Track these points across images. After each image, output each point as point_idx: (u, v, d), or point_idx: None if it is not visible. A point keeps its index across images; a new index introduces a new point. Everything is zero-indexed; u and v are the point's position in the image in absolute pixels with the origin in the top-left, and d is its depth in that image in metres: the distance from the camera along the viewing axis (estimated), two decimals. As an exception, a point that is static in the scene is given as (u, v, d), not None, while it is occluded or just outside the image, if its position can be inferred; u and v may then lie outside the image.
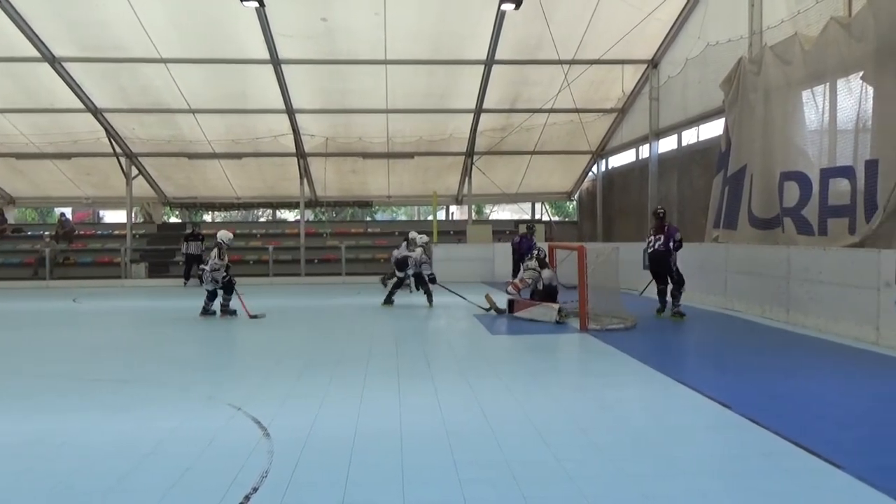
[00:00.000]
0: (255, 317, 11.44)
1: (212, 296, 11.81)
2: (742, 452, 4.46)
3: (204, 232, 24.51)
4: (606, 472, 4.05)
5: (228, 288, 11.79)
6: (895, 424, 5.06)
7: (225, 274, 11.69)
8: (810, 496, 3.70)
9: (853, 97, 10.01)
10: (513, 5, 14.45)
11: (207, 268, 11.74)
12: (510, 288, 11.77)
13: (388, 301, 13.27)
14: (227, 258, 11.79)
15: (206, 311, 11.83)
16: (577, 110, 18.71)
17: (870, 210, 9.30)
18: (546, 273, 11.50)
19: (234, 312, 11.77)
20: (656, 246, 11.08)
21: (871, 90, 9.58)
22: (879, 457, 4.28)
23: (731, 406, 5.37)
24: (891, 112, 9.06)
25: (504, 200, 26.13)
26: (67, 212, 25.64)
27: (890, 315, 7.93)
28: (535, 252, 12.47)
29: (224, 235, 12.02)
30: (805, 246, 10.39)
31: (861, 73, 9.72)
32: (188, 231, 20.30)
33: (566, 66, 16.99)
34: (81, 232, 24.36)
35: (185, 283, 19.23)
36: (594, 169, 23.13)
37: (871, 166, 9.34)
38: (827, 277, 9.18)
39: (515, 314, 11.13)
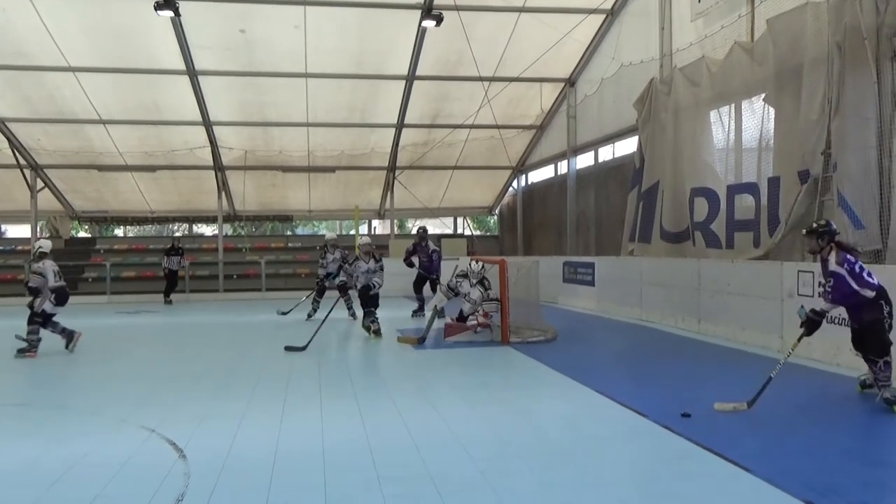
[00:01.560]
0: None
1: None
2: (656, 458, 4.61)
3: (118, 247, 23.73)
4: (529, 483, 4.10)
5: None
6: (798, 428, 5.33)
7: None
8: (720, 498, 3.85)
9: (756, 117, 10.55)
10: (433, 22, 14.57)
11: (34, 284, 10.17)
12: (479, 328, 10.06)
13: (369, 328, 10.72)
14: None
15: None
16: (497, 126, 18.99)
17: (773, 224, 9.81)
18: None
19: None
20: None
21: (772, 111, 10.11)
22: (784, 459, 4.49)
23: (647, 414, 5.54)
24: (790, 132, 9.59)
25: (426, 215, 26.17)
26: (-35, 226, 24.24)
27: (793, 324, 8.32)
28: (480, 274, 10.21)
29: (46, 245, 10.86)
30: (714, 259, 10.85)
31: (763, 95, 10.25)
32: (169, 246, 19.10)
33: (486, 83, 17.25)
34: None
35: (167, 301, 18.27)
36: (514, 184, 23.49)
37: (774, 183, 9.86)
38: (735, 289, 9.61)
39: (449, 339, 9.88)
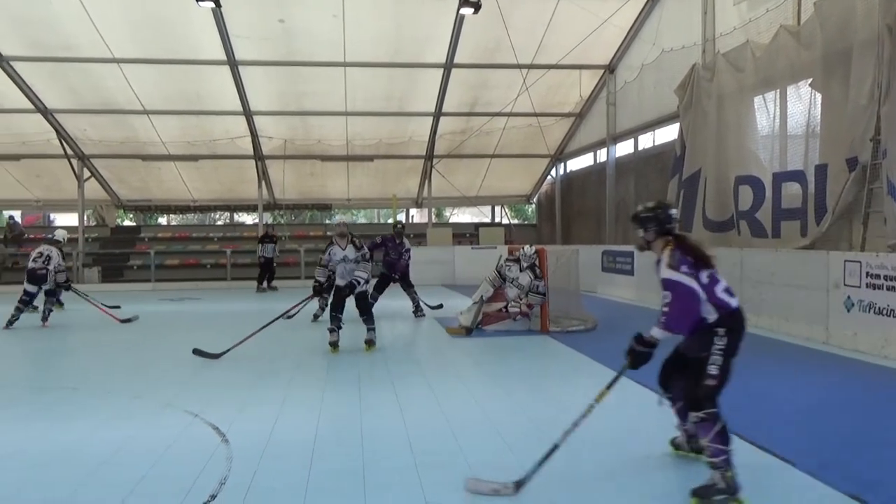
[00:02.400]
0: (127, 320, 11.32)
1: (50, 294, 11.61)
2: (698, 451, 4.54)
3: (161, 235, 24.20)
4: (567, 473, 4.08)
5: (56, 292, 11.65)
6: (844, 421, 5.22)
7: (65, 278, 11.60)
8: (762, 492, 3.79)
9: (802, 103, 10.30)
10: (471, 10, 14.48)
11: (51, 267, 11.31)
12: (518, 316, 9.77)
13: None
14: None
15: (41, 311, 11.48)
16: (535, 114, 18.85)
17: (820, 213, 9.60)
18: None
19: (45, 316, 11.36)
20: None
21: (819, 96, 9.87)
22: (829, 453, 4.40)
23: (688, 405, 5.46)
24: (838, 117, 9.35)
25: (464, 203, 26.18)
26: (17, 215, 24.96)
27: (839, 315, 8.16)
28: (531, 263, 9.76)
29: (61, 234, 12.18)
30: (757, 248, 10.65)
31: (810, 80, 10.01)
32: (263, 234, 19.05)
33: (525, 71, 17.12)
34: (31, 235, 23.64)
35: (259, 288, 18.13)
36: (553, 172, 23.34)
37: (821, 171, 9.64)
38: (778, 279, 9.41)
39: (488, 328, 9.76)
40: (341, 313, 8.49)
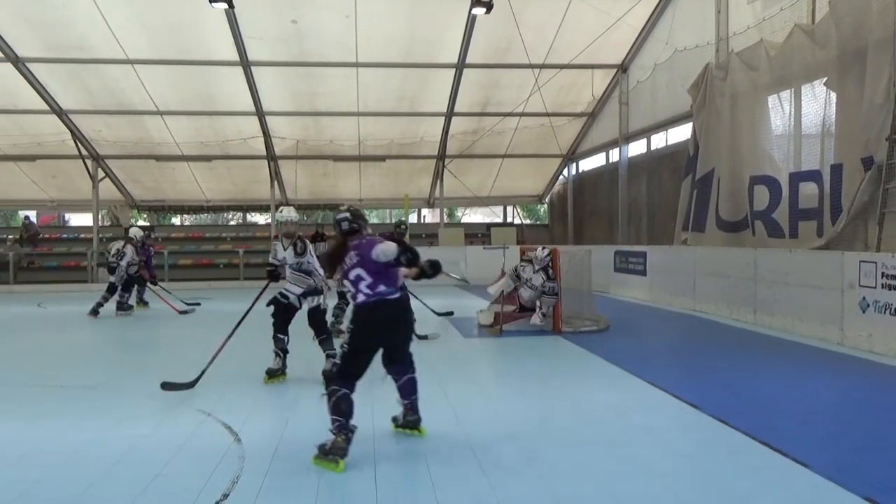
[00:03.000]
0: (185, 312, 12.11)
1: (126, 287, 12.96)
2: (711, 452, 4.52)
3: (175, 235, 24.33)
4: (578, 472, 4.07)
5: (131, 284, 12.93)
6: (860, 423, 5.17)
7: (136, 270, 12.89)
8: (777, 495, 3.75)
9: (818, 102, 10.23)
10: (483, 9, 14.46)
11: (123, 263, 12.56)
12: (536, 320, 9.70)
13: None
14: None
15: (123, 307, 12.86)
16: (547, 114, 18.81)
17: (835, 213, 9.52)
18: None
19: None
20: None
21: (834, 96, 9.79)
22: (844, 454, 4.36)
23: (700, 406, 5.44)
24: (853, 117, 9.27)
25: (476, 203, 26.16)
26: (32, 215, 25.16)
27: (854, 316, 8.09)
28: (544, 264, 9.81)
29: (136, 232, 13.33)
30: (771, 248, 10.58)
31: (825, 79, 9.93)
32: (314, 232, 18.65)
33: (537, 70, 17.08)
34: (47, 235, 23.89)
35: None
36: (565, 172, 23.28)
37: (836, 170, 9.56)
38: (793, 279, 9.35)
39: (505, 326, 9.70)
40: (283, 334, 7.05)
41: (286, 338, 7.01)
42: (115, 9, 14.93)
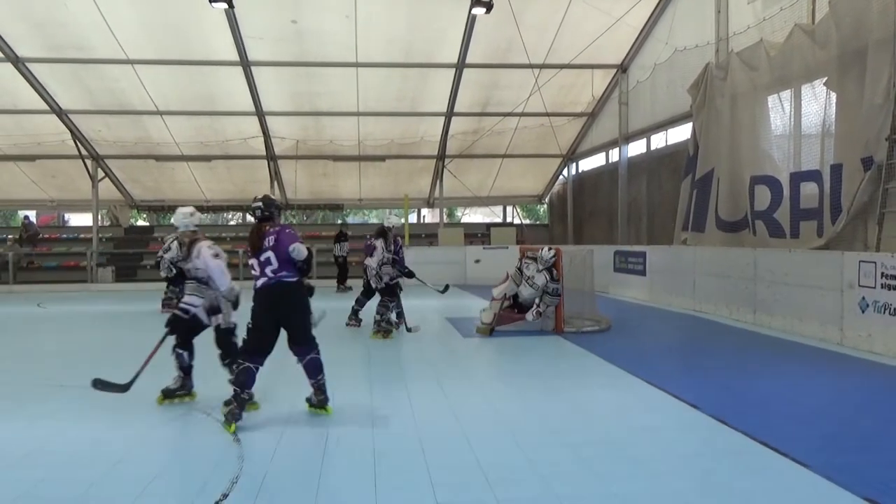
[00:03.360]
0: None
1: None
2: (710, 452, 4.52)
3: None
4: (578, 473, 4.08)
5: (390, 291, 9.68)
6: (859, 423, 5.17)
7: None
8: (776, 494, 3.76)
9: (818, 102, 10.24)
10: (483, 9, 14.46)
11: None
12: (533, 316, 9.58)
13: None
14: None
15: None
16: (547, 114, 18.81)
17: (835, 213, 9.53)
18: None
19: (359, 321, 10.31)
20: None
21: (834, 96, 9.80)
22: (844, 455, 4.37)
23: (700, 406, 5.44)
24: (853, 117, 9.27)
25: (475, 203, 26.18)
26: (32, 215, 25.17)
27: (853, 316, 8.10)
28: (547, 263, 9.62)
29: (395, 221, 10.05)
30: (770, 248, 10.59)
31: (825, 79, 9.93)
32: (338, 232, 18.42)
33: (537, 71, 17.09)
34: (46, 235, 23.90)
35: (339, 289, 17.39)
36: (564, 172, 23.29)
37: (836, 170, 9.56)
38: (792, 279, 9.35)
39: (499, 328, 9.69)
40: (183, 349, 6.10)
41: (186, 353, 6.08)
42: (115, 9, 14.92)
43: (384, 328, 9.39)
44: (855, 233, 9.39)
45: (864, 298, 7.92)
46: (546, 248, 9.88)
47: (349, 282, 17.54)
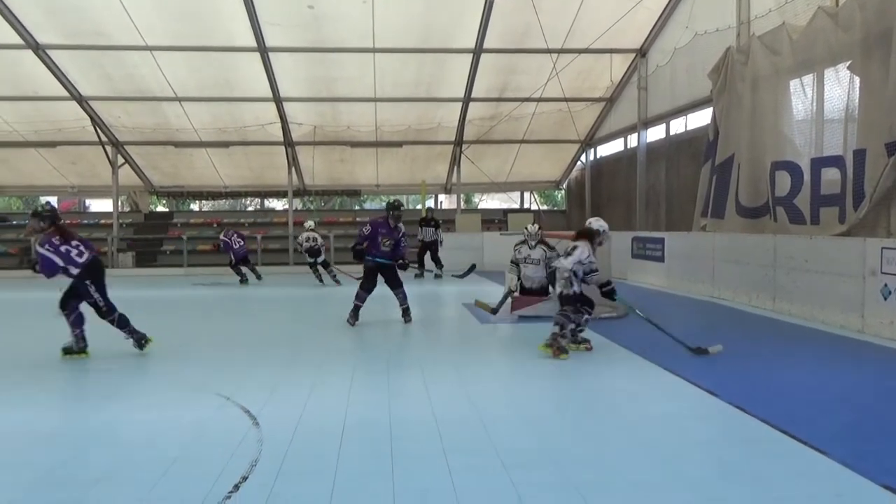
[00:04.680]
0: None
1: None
2: (729, 439, 4.51)
3: (194, 221, 24.50)
4: (594, 459, 4.08)
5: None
6: (879, 410, 5.13)
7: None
8: (795, 481, 3.74)
9: (841, 87, 10.06)
10: (501, -7, 14.39)
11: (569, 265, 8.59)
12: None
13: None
14: None
15: None
16: (565, 99, 18.68)
17: (858, 199, 9.39)
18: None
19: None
20: None
21: (857, 80, 9.63)
22: (863, 443, 4.34)
23: (718, 394, 5.42)
24: (877, 102, 9.12)
25: (493, 189, 26.10)
26: (53, 200, 25.40)
27: (875, 303, 8.01)
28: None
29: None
30: (791, 234, 10.48)
31: (848, 63, 9.77)
32: (423, 216, 18.41)
33: (555, 55, 16.95)
34: (67, 221, 24.10)
35: (420, 273, 17.00)
36: (582, 158, 23.14)
37: (859, 155, 9.42)
38: (813, 266, 9.26)
39: (516, 312, 9.78)
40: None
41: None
42: (133, -5, 14.99)
43: (560, 344, 7.07)
44: (878, 219, 9.25)
45: (886, 286, 7.83)
46: (530, 225, 9.86)
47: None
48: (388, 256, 9.31)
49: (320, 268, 15.96)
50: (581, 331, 7.57)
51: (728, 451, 4.27)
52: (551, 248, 9.61)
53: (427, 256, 17.41)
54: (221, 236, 16.66)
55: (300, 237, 16.24)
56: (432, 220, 17.92)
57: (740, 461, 4.07)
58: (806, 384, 5.91)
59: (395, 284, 9.44)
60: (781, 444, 4.31)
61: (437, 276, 16.71)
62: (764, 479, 3.75)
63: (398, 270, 9.55)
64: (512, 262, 9.94)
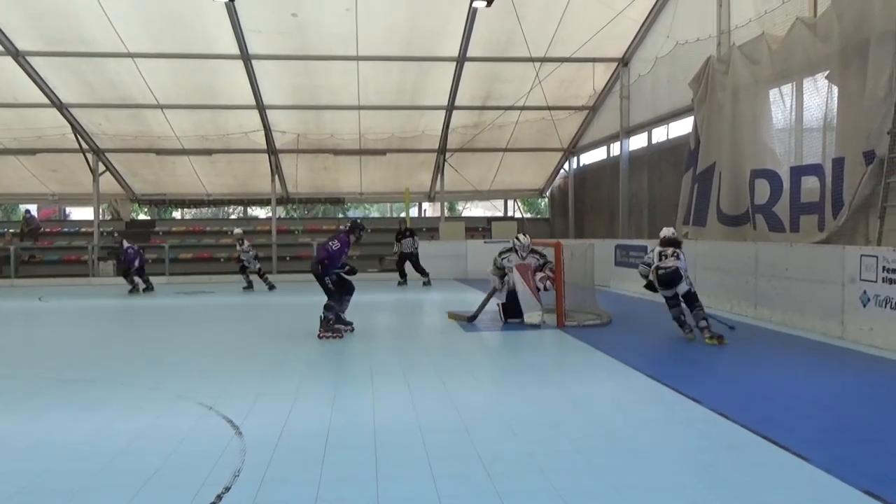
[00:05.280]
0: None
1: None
2: (711, 445, 4.53)
3: (176, 229, 24.33)
4: (578, 466, 4.09)
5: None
6: (859, 416, 5.18)
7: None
8: (777, 487, 3.77)
9: (819, 96, 10.21)
10: (484, 2, 14.45)
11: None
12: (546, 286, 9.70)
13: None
14: None
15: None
16: (548, 108, 18.80)
17: (836, 207, 9.51)
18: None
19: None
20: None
21: (836, 89, 9.77)
22: (843, 448, 4.38)
23: (701, 400, 5.45)
24: (855, 111, 9.25)
25: (476, 197, 26.18)
26: (33, 209, 25.14)
27: (854, 310, 8.10)
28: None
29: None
30: (772, 242, 10.58)
31: (827, 73, 9.91)
32: (399, 228, 18.59)
33: (538, 64, 17.06)
34: (47, 229, 23.91)
35: (403, 282, 17.70)
36: (566, 166, 23.27)
37: (838, 164, 9.55)
38: (793, 273, 9.35)
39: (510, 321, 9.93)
40: None
41: None
42: (115, 2, 14.89)
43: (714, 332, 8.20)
44: (856, 227, 9.37)
45: (865, 292, 7.92)
46: (521, 235, 10.07)
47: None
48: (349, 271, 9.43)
49: (257, 275, 16.91)
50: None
51: (710, 457, 4.29)
52: (542, 255, 9.77)
53: (407, 266, 17.56)
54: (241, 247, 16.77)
55: (245, 245, 16.75)
56: (408, 230, 18.07)
57: (722, 467, 4.10)
58: (787, 390, 5.96)
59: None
60: (762, 449, 4.34)
61: (426, 284, 16.79)
62: (746, 485, 3.78)
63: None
64: (496, 266, 9.99)
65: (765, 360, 7.37)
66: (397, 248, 17.81)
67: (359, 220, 9.98)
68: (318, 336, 8.81)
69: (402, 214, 21.97)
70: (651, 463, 4.15)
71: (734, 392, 5.86)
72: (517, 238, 10.02)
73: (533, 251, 9.90)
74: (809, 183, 10.30)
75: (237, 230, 17.54)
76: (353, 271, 9.48)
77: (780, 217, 10.81)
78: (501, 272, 9.95)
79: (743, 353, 7.80)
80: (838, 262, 8.42)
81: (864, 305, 7.92)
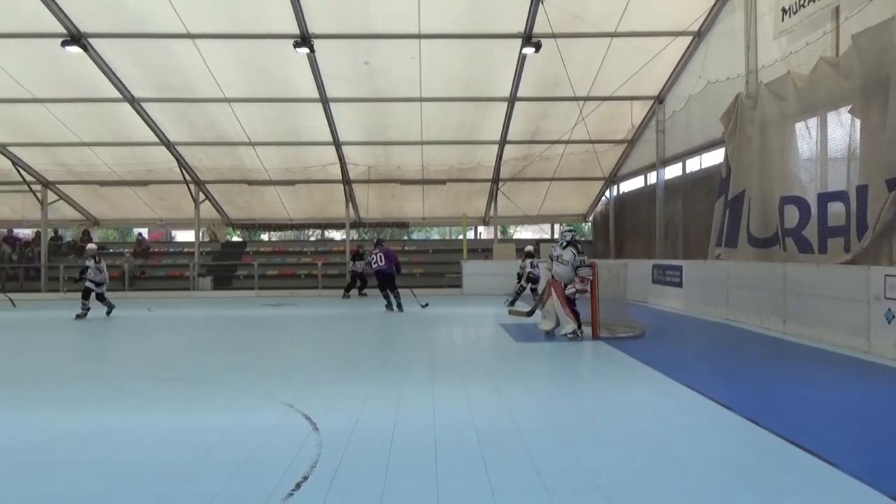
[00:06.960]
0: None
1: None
2: (743, 451, 4.37)
3: (264, 249, 24.93)
4: (618, 467, 3.99)
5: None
6: (886, 425, 4.92)
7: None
8: (807, 492, 3.60)
9: (843, 129, 9.85)
10: (533, 49, 14.56)
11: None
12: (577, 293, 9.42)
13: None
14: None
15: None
16: (591, 141, 18.62)
17: (861, 230, 9.13)
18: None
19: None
20: None
21: (858, 122, 9.42)
22: (872, 456, 4.16)
23: (733, 408, 5.26)
24: (877, 142, 8.90)
25: (526, 221, 26.05)
26: (144, 232, 26.17)
27: (879, 326, 7.73)
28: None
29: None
30: (799, 263, 10.21)
31: (849, 107, 9.57)
32: (356, 250, 19.58)
33: (581, 102, 16.95)
34: (156, 249, 24.82)
35: (345, 296, 18.91)
36: (607, 193, 22.96)
37: (862, 191, 9.18)
38: (821, 291, 8.99)
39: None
40: None
41: None
42: (215, 54, 15.47)
43: None
44: (881, 249, 8.96)
45: (889, 310, 7.55)
46: (562, 225, 9.87)
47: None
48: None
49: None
50: None
51: (743, 461, 4.13)
52: (581, 253, 9.47)
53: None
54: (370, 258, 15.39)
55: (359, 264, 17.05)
56: (360, 254, 19.09)
57: (755, 471, 3.94)
58: (816, 400, 5.71)
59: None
60: (793, 455, 4.15)
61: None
62: (777, 488, 3.62)
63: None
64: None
65: (794, 372, 7.08)
66: (353, 268, 18.91)
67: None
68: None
69: (466, 236, 22.05)
70: (688, 465, 4.02)
71: (765, 401, 5.64)
72: (562, 231, 9.82)
73: (572, 244, 9.50)
74: (836, 208, 9.92)
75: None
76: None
77: (809, 239, 10.43)
78: (550, 262, 9.70)
79: (773, 365, 7.52)
80: (863, 282, 8.05)
81: (889, 322, 7.55)
